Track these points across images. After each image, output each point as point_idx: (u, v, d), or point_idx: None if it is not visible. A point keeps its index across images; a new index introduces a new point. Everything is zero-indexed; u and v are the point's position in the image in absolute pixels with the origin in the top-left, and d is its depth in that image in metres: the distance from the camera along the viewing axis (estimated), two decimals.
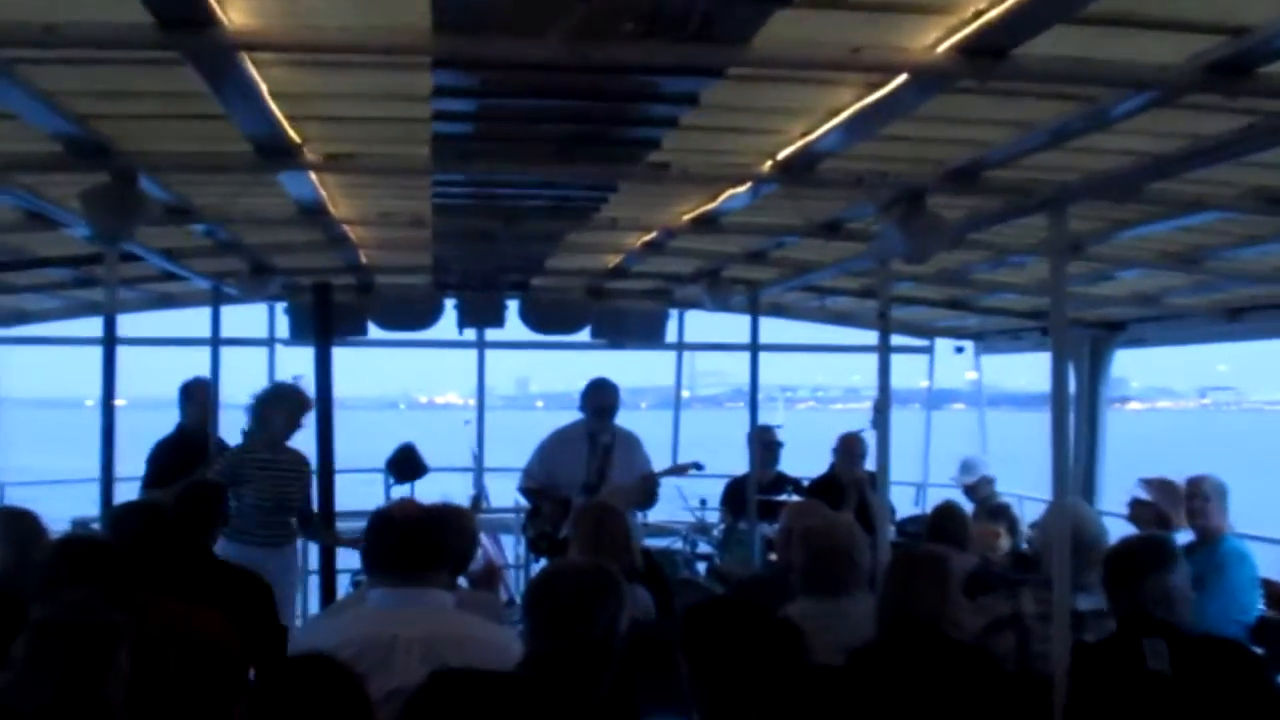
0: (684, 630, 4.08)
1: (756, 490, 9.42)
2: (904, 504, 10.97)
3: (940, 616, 4.62)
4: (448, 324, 11.23)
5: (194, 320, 10.80)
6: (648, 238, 8.50)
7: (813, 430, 15.46)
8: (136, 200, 5.65)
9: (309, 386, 7.72)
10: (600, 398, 9.32)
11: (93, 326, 10.54)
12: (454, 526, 5.12)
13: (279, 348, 11.61)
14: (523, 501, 9.84)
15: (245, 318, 11.75)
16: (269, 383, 8.57)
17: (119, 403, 6.50)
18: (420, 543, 4.34)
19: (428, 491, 9.85)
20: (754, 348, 9.73)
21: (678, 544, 10.43)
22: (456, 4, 3.70)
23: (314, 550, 8.83)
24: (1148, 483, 7.59)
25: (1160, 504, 7.46)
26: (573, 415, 9.53)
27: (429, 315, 11.18)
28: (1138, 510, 7.57)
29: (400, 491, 10.81)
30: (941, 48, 3.86)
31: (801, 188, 6.24)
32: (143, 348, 11.16)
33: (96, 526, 6.97)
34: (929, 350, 12.57)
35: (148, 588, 4.35)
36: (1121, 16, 3.68)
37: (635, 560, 6.02)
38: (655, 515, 10.66)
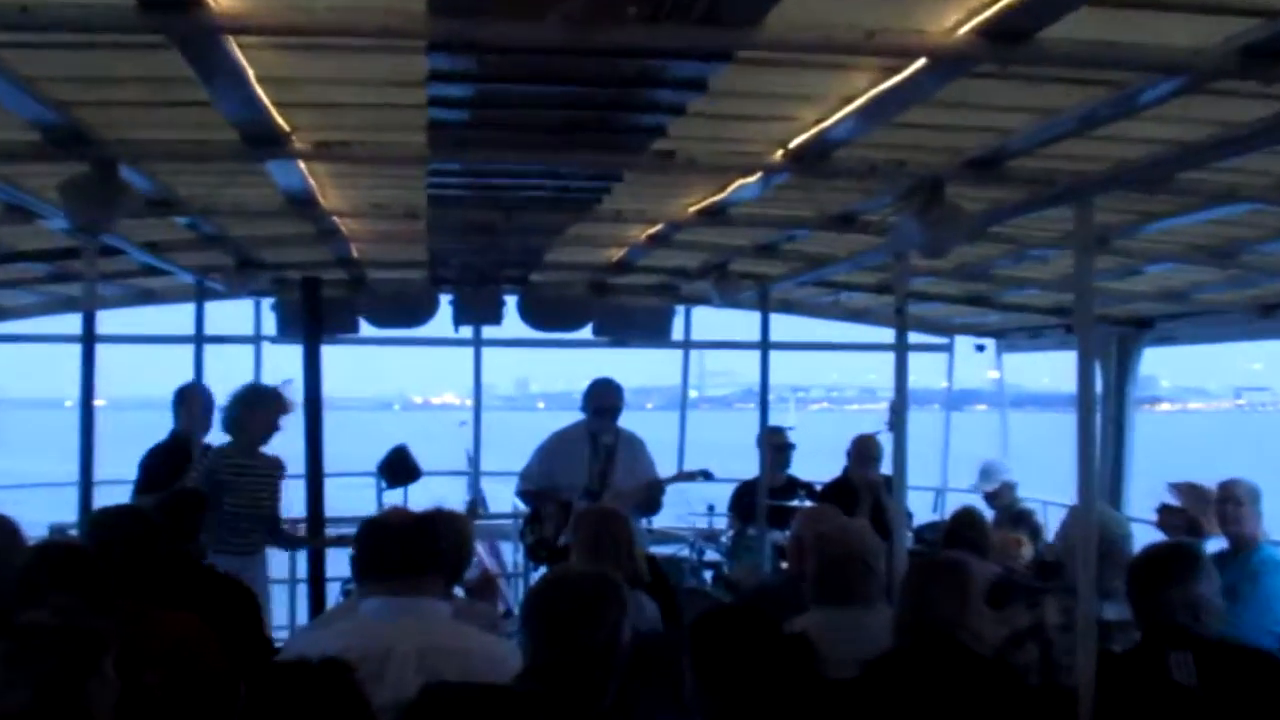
0: (690, 642, 4.09)
1: (767, 495, 9.41)
2: (922, 509, 10.96)
3: (959, 627, 4.62)
4: (443, 321, 11.25)
5: (177, 317, 10.82)
6: (653, 230, 8.50)
7: (826, 432, 15.45)
8: (117, 191, 5.65)
9: (297, 389, 7.73)
10: (602, 398, 9.33)
11: (71, 323, 10.55)
12: (448, 533, 5.12)
13: (266, 346, 11.62)
14: (521, 506, 9.85)
15: (231, 314, 11.75)
16: (243, 384, 8.53)
17: (99, 403, 6.50)
18: (413, 550, 4.35)
19: (421, 496, 9.85)
20: (764, 346, 9.72)
21: (684, 551, 10.42)
22: None
23: (301, 558, 8.84)
24: (1177, 487, 7.58)
25: (1190, 510, 7.44)
26: (575, 416, 9.54)
27: (423, 312, 11.19)
28: (1167, 516, 7.56)
29: (393, 496, 10.83)
30: (961, 30, 3.86)
31: (814, 178, 6.24)
32: (123, 346, 11.18)
33: (75, 532, 6.97)
34: (948, 349, 12.57)
35: (128, 596, 4.35)
36: None
37: (639, 568, 6.02)
38: (660, 521, 10.66)
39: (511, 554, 11.07)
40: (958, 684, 4.48)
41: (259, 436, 8.13)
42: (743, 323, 10.57)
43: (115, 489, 8.30)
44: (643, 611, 5.61)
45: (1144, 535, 6.64)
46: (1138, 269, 8.26)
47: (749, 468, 10.14)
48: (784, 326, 11.36)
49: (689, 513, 10.91)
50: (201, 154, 5.87)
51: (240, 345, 11.65)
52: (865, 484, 9.56)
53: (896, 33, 3.97)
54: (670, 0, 3.71)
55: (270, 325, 11.34)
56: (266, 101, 4.86)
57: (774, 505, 9.35)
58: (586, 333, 11.55)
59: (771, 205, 7.18)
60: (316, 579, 7.82)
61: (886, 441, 9.19)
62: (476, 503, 11.41)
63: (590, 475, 9.25)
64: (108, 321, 9.96)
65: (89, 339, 6.50)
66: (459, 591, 5.85)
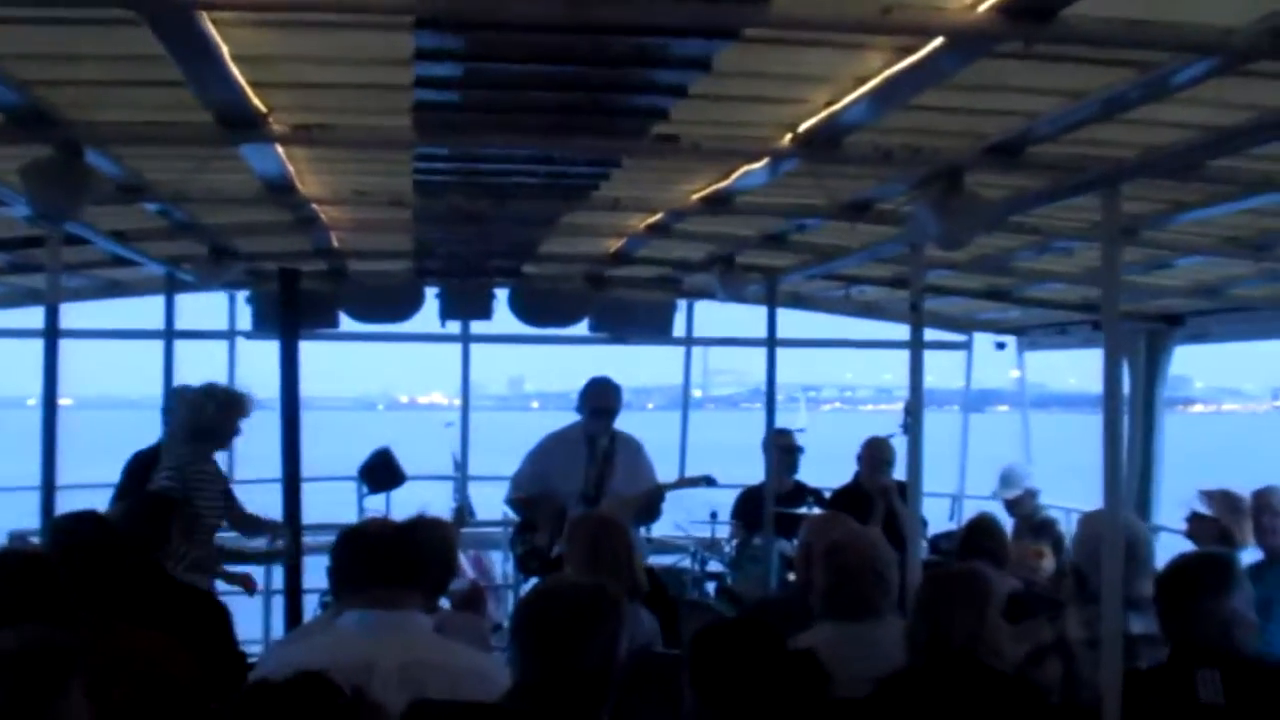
0: (691, 657, 4.09)
1: (773, 501, 9.42)
2: (938, 517, 10.98)
3: (978, 642, 4.62)
4: (429, 315, 11.27)
5: (146, 310, 10.84)
6: (653, 220, 8.51)
7: (839, 434, 15.47)
8: (83, 175, 5.66)
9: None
10: (599, 398, 9.34)
11: (33, 317, 10.51)
12: (432, 542, 5.13)
13: (240, 341, 11.63)
14: (511, 514, 9.85)
15: (203, 307, 11.78)
16: (209, 384, 8.46)
17: (63, 402, 6.50)
18: (394, 560, 4.35)
19: (406, 502, 9.86)
20: (771, 342, 9.72)
21: (685, 561, 10.43)
22: None
23: (278, 569, 8.84)
24: (1209, 495, 7.59)
25: (1222, 519, 7.45)
26: (571, 417, 9.55)
27: (408, 306, 11.21)
28: (1197, 525, 7.57)
29: (375, 502, 10.84)
30: (982, 7, 3.86)
31: (825, 164, 6.24)
32: (89, 341, 11.18)
33: (36, 540, 6.97)
34: (966, 346, 12.59)
35: (93, 609, 4.35)
36: None
37: (637, 579, 6.02)
38: (660, 529, 10.67)
39: (501, 564, 11.08)
40: (976, 703, 4.49)
41: (226, 441, 8.14)
42: (748, 318, 10.56)
43: (80, 494, 8.30)
44: (640, 625, 5.61)
45: (1174, 545, 6.65)
46: (1168, 262, 8.26)
47: (754, 472, 10.15)
48: (792, 322, 11.35)
49: (690, 521, 10.91)
50: (173, 137, 5.87)
51: (213, 341, 11.67)
52: (878, 490, 9.56)
53: (913, 9, 3.97)
54: None
55: (245, 319, 11.36)
56: (242, 81, 4.87)
57: (781, 513, 9.35)
58: (582, 329, 11.57)
59: (779, 193, 7.18)
60: (293, 591, 7.83)
61: (900, 445, 9.19)
62: (463, 509, 11.42)
63: (586, 480, 9.25)
64: (72, 315, 9.99)
65: (52, 334, 6.49)
66: (445, 604, 5.84)
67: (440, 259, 10.49)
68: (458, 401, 13.06)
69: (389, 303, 11.19)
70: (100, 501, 7.73)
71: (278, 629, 9.40)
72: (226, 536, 8.50)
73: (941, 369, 12.68)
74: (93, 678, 3.58)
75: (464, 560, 9.30)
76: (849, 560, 5.33)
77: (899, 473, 9.29)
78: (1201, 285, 9.15)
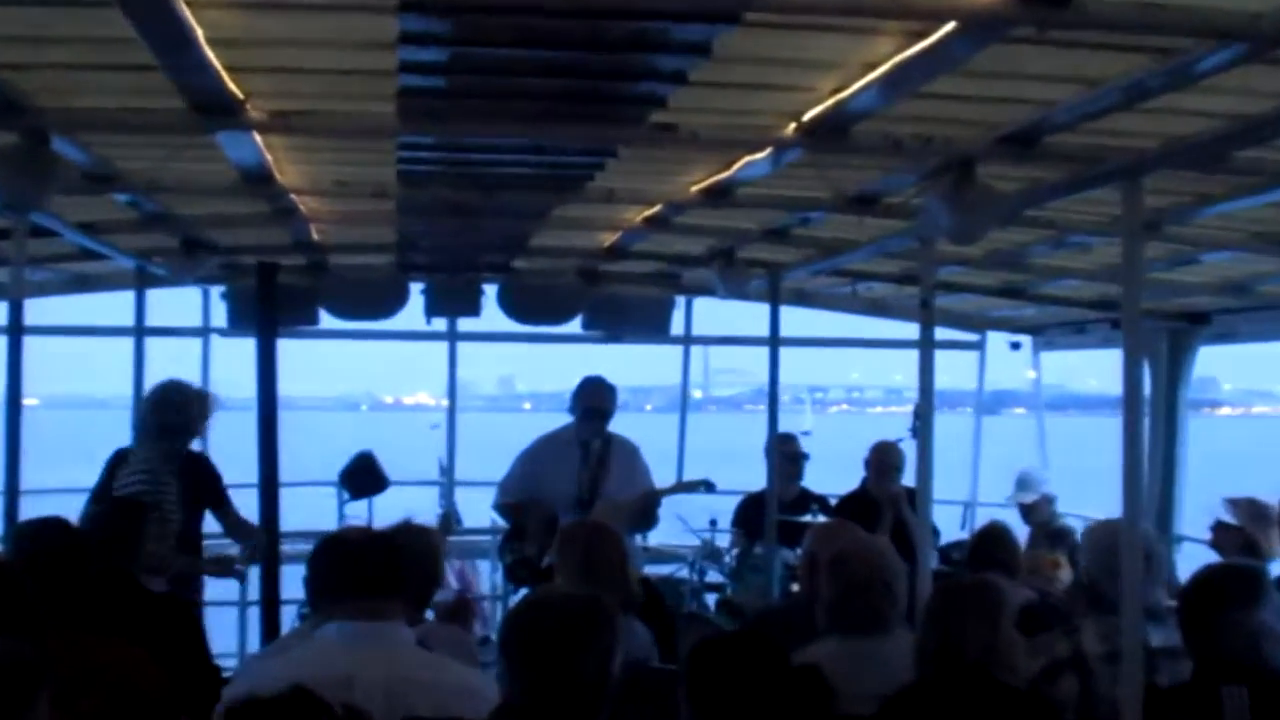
0: (688, 672, 4.10)
1: (776, 509, 9.42)
2: (949, 526, 10.98)
3: (991, 657, 4.63)
4: (414, 312, 11.26)
5: (116, 306, 10.82)
6: (650, 212, 8.51)
7: (847, 437, 15.48)
8: (50, 164, 5.66)
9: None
10: (592, 398, 9.34)
11: None
12: (417, 549, 5.14)
13: (215, 339, 11.63)
14: (500, 521, 9.85)
15: (176, 303, 11.76)
16: (178, 381, 8.47)
17: (29, 402, 6.51)
18: (374, 570, 4.35)
19: (389, 508, 9.87)
20: (774, 342, 9.73)
21: (683, 571, 10.43)
22: None
23: (254, 577, 8.84)
24: (1234, 503, 7.60)
25: (1248, 528, 7.46)
26: (565, 419, 9.55)
27: (392, 302, 11.19)
28: (1222, 535, 7.58)
29: (357, 509, 10.84)
30: None
31: (831, 154, 6.25)
32: (56, 338, 11.18)
33: None
34: (979, 346, 12.59)
35: (59, 620, 4.35)
36: None
37: (632, 590, 6.03)
38: (656, 537, 10.67)
39: (489, 574, 11.08)
40: None
41: (188, 442, 8.16)
42: (750, 316, 10.57)
43: (46, 499, 8.30)
44: (635, 638, 5.62)
45: (1197, 556, 6.66)
46: (1192, 258, 8.27)
47: (757, 478, 10.16)
48: (796, 320, 11.35)
49: (689, 528, 10.92)
50: (145, 124, 5.87)
51: (186, 338, 11.66)
52: (886, 497, 9.58)
53: None
54: None
55: (220, 316, 11.34)
56: (218, 66, 4.87)
57: (784, 520, 9.36)
58: (575, 326, 11.56)
59: (783, 185, 7.19)
60: (270, 601, 7.83)
61: (910, 449, 9.19)
62: (449, 516, 11.42)
63: (579, 485, 9.25)
64: (38, 311, 10.00)
65: (16, 330, 6.50)
66: (430, 616, 5.85)
67: (426, 253, 10.49)
68: (445, 402, 13.07)
69: (371, 299, 11.18)
70: (67, 507, 7.73)
71: (254, 642, 9.39)
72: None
73: (954, 370, 12.70)
74: (59, 691, 3.58)
75: (449, 570, 9.30)
76: (856, 571, 5.35)
77: (908, 479, 9.30)
78: (1228, 282, 9.16)
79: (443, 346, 12.14)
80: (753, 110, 5.74)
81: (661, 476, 9.78)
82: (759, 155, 6.36)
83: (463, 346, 12.24)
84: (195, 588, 8.34)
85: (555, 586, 5.80)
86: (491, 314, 11.25)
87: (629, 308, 11.65)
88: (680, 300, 11.96)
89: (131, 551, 5.88)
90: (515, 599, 9.36)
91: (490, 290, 11.18)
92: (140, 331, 10.14)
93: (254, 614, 9.10)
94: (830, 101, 5.30)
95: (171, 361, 10.22)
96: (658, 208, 8.31)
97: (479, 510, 10.85)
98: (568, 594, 4.55)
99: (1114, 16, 3.96)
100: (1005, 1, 3.87)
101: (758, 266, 9.71)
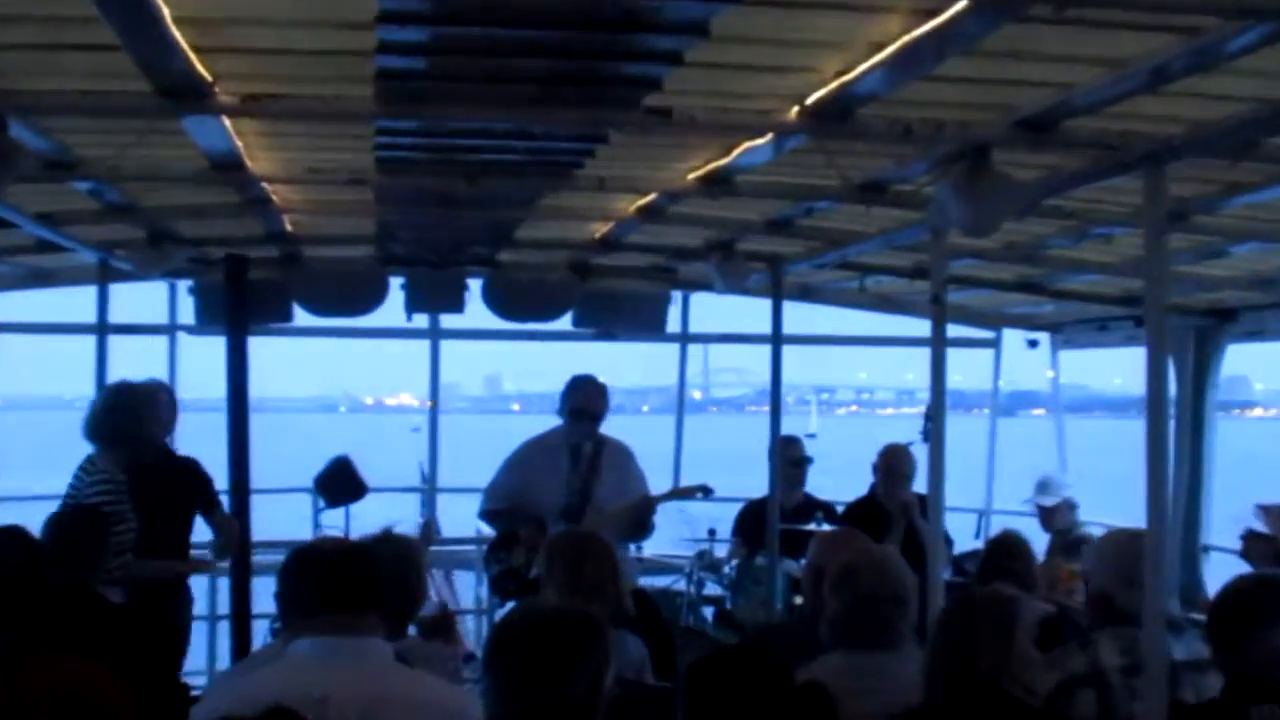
0: (685, 690, 4.10)
1: (779, 517, 9.43)
2: (963, 535, 11.00)
3: (1005, 674, 4.63)
4: (394, 308, 11.26)
5: (77, 302, 10.82)
6: (644, 202, 8.51)
7: (855, 441, 15.51)
8: (6, 151, 5.65)
9: None
10: (580, 399, 9.33)
11: None
12: (395, 560, 5.13)
13: (182, 336, 11.63)
14: (485, 530, 9.85)
15: (141, 299, 11.77)
16: (133, 381, 8.46)
17: None
18: (348, 583, 4.35)
19: (367, 517, 9.88)
20: (776, 339, 9.75)
21: (679, 583, 10.45)
22: None
23: (224, 589, 8.86)
24: (1266, 510, 7.61)
25: None
26: (555, 421, 9.54)
27: (370, 297, 11.19)
28: (1252, 544, 7.60)
29: (333, 517, 10.84)
30: None
31: (836, 140, 6.26)
32: (14, 335, 11.19)
33: None
34: (995, 344, 12.61)
35: (15, 635, 4.36)
36: None
37: (625, 603, 6.04)
38: (651, 547, 10.67)
39: (473, 586, 11.09)
40: None
41: (142, 447, 8.15)
42: (752, 312, 10.58)
43: (9, 505, 8.31)
44: (628, 653, 5.63)
45: (1227, 567, 6.67)
46: (1219, 250, 8.28)
47: (758, 483, 10.17)
48: (800, 317, 11.38)
49: (686, 537, 10.93)
50: (107, 108, 5.86)
51: (152, 336, 11.66)
52: (896, 505, 9.59)
53: None
54: None
55: (188, 312, 11.35)
56: (185, 46, 4.87)
57: (787, 529, 9.37)
58: (565, 323, 11.57)
59: (785, 172, 7.20)
60: (240, 615, 7.84)
61: (921, 453, 9.20)
62: (430, 524, 11.42)
63: (568, 492, 9.25)
64: None
65: None
66: (411, 631, 5.85)
67: (406, 245, 10.49)
68: (430, 404, 13.07)
69: (349, 294, 11.17)
70: (24, 514, 7.75)
71: (224, 658, 9.40)
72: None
73: (971, 369, 12.71)
74: (15, 709, 3.59)
75: (434, 580, 9.31)
76: (863, 584, 5.35)
77: (920, 485, 9.31)
78: (1257, 276, 9.17)
79: (425, 345, 12.15)
80: (753, 93, 5.74)
81: (657, 482, 9.77)
82: (760, 141, 6.36)
83: (447, 345, 12.27)
84: (186, 598, 8.34)
85: (543, 599, 5.80)
86: (476, 310, 11.27)
87: (622, 303, 11.66)
88: (677, 295, 11.98)
89: (92, 563, 5.89)
90: (501, 613, 9.37)
91: (475, 285, 11.19)
92: (103, 329, 10.14)
93: (224, 629, 9.11)
94: (835, 84, 5.30)
95: (136, 361, 10.23)
96: (652, 197, 8.31)
97: (464, 518, 10.85)
98: (556, 608, 4.56)
99: None
100: None
101: (759, 259, 9.72)
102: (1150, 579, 4.90)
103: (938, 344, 6.85)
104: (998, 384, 13.01)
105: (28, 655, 4.34)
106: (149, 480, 8.00)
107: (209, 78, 5.31)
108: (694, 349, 13.18)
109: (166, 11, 4.47)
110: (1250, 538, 7.64)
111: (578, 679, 3.90)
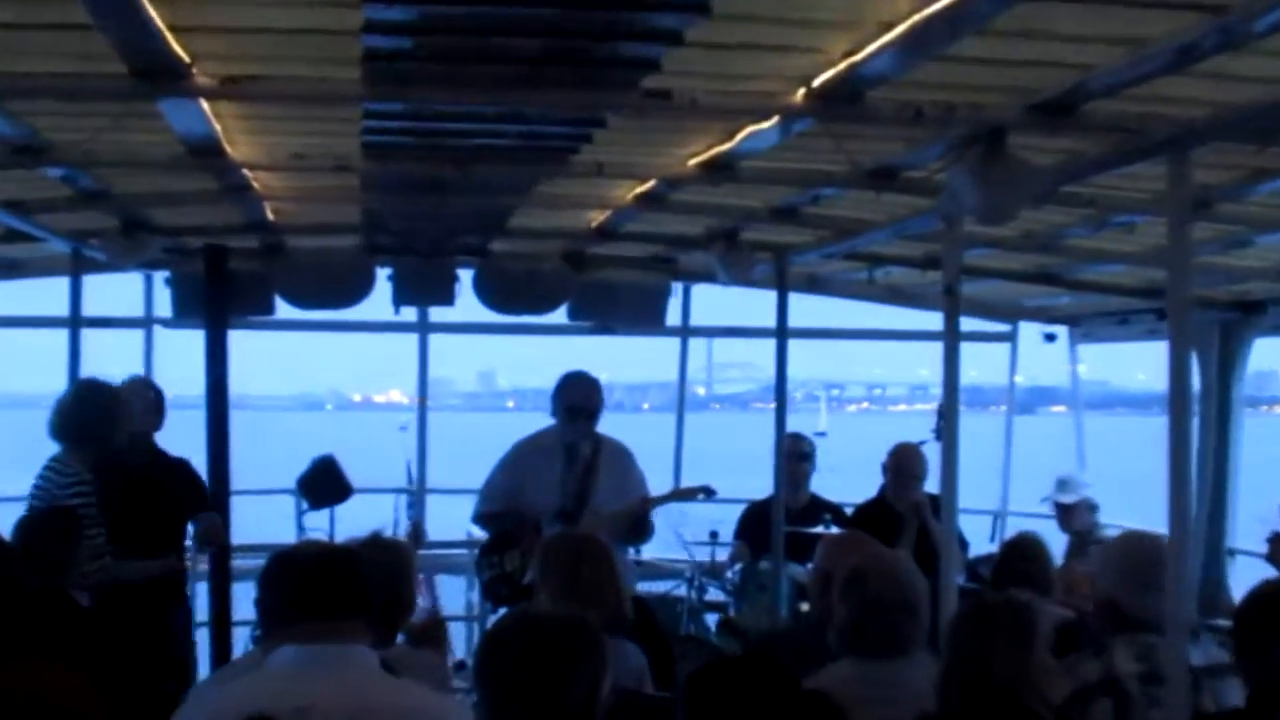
0: (686, 700, 4.11)
1: (784, 519, 9.44)
2: (977, 537, 11.01)
3: (1020, 683, 4.64)
4: (381, 300, 11.26)
5: (48, 294, 10.82)
6: (643, 189, 8.52)
7: (865, 439, 15.51)
8: None
9: None
10: (575, 395, 9.32)
11: None
12: (386, 567, 5.14)
13: (159, 330, 11.62)
14: (478, 533, 9.85)
15: (115, 291, 11.77)
16: (100, 380, 8.46)
17: None
18: (331, 588, 4.35)
19: (353, 519, 9.88)
20: (781, 333, 9.75)
21: (680, 589, 10.46)
22: None
23: (203, 596, 8.86)
24: None
25: None
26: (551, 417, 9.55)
27: (356, 289, 11.18)
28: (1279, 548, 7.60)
29: (317, 519, 10.84)
30: None
31: (844, 124, 6.26)
32: None
33: None
34: (1010, 338, 12.62)
35: None
36: None
37: (623, 609, 6.04)
38: (651, 551, 10.69)
39: (464, 591, 11.09)
40: None
41: (110, 447, 8.16)
42: (756, 304, 10.59)
43: None
44: (626, 662, 5.63)
45: (1252, 572, 6.68)
46: (1246, 239, 8.28)
47: (763, 484, 10.18)
48: (807, 309, 11.39)
49: (687, 541, 10.94)
50: (80, 90, 5.86)
51: (127, 330, 11.65)
52: (907, 506, 9.58)
53: None
54: None
55: (164, 305, 11.33)
56: (161, 25, 4.87)
57: (793, 532, 9.38)
58: (560, 316, 11.56)
59: (791, 158, 7.20)
60: (220, 622, 7.85)
61: (934, 453, 9.21)
62: (419, 527, 11.42)
63: (565, 495, 9.25)
64: None
65: None
66: (400, 639, 5.86)
67: (393, 234, 10.49)
68: (420, 400, 13.07)
69: (333, 285, 11.16)
70: None
71: (204, 665, 9.41)
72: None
73: (986, 364, 12.71)
74: None
75: (423, 586, 9.32)
76: (873, 589, 5.35)
77: (932, 485, 9.31)
78: None
79: (413, 339, 12.15)
80: (757, 74, 5.74)
81: (658, 482, 9.78)
82: (764, 125, 6.36)
83: (437, 339, 12.26)
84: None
85: (537, 605, 5.81)
86: (467, 302, 11.27)
87: (620, 295, 11.65)
88: (677, 287, 11.97)
89: (63, 565, 5.90)
90: (493, 619, 9.38)
91: (465, 276, 11.17)
92: (76, 322, 10.12)
93: (203, 636, 9.12)
94: (843, 64, 5.31)
95: (111, 356, 10.23)
96: (651, 184, 8.32)
97: (454, 521, 10.85)
98: (551, 614, 4.55)
99: None
100: None
101: (764, 249, 9.72)
102: (1172, 585, 4.91)
103: (950, 337, 6.85)
104: (1014, 379, 13.01)
105: (3, 663, 4.34)
106: (119, 480, 8.01)
107: (186, 58, 5.31)
108: (696, 343, 13.22)
109: None
110: (1277, 540, 7.64)
111: (573, 688, 3.90)
